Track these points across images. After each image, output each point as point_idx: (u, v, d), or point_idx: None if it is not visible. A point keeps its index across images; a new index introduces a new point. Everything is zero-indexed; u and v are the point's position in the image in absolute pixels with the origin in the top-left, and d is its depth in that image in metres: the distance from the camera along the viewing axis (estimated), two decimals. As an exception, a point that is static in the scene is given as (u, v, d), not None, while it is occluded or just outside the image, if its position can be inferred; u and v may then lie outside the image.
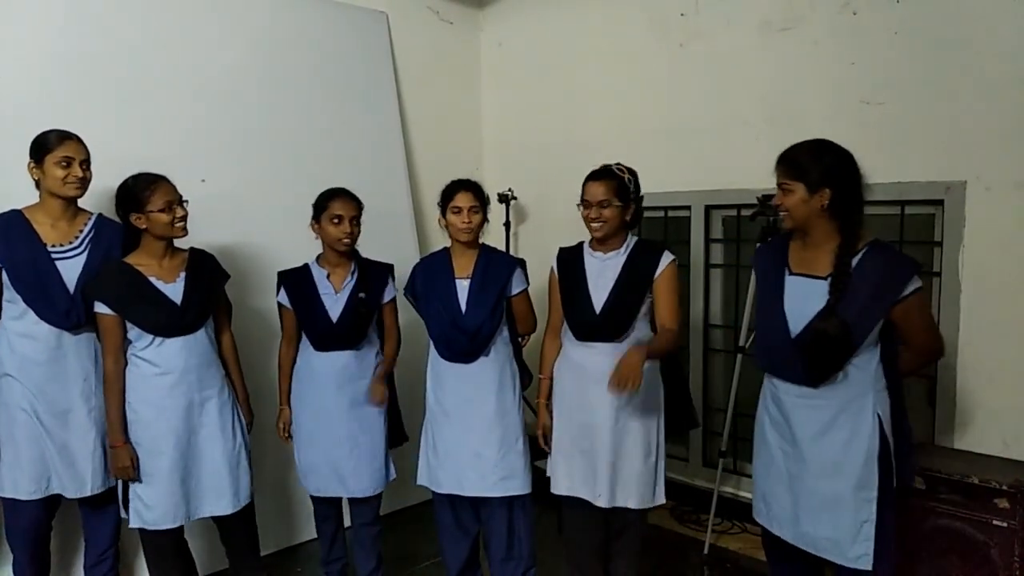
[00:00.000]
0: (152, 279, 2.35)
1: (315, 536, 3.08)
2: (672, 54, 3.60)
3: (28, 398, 2.32)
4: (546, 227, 4.20)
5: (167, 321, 2.33)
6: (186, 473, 2.39)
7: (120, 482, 2.39)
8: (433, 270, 2.64)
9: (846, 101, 3.02)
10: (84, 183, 2.35)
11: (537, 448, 2.60)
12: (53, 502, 2.43)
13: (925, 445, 2.80)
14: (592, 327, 2.39)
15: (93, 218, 2.45)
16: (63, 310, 2.31)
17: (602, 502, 2.38)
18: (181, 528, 2.47)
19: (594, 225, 2.39)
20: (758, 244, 2.61)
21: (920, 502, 2.52)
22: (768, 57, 3.27)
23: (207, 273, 2.49)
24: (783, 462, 2.08)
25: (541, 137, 4.21)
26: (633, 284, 2.36)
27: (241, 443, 2.51)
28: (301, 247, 2.81)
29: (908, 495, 2.20)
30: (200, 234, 2.62)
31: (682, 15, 3.55)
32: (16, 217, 2.34)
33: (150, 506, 2.35)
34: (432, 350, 2.61)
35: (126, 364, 2.36)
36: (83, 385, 2.38)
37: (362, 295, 2.60)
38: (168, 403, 2.34)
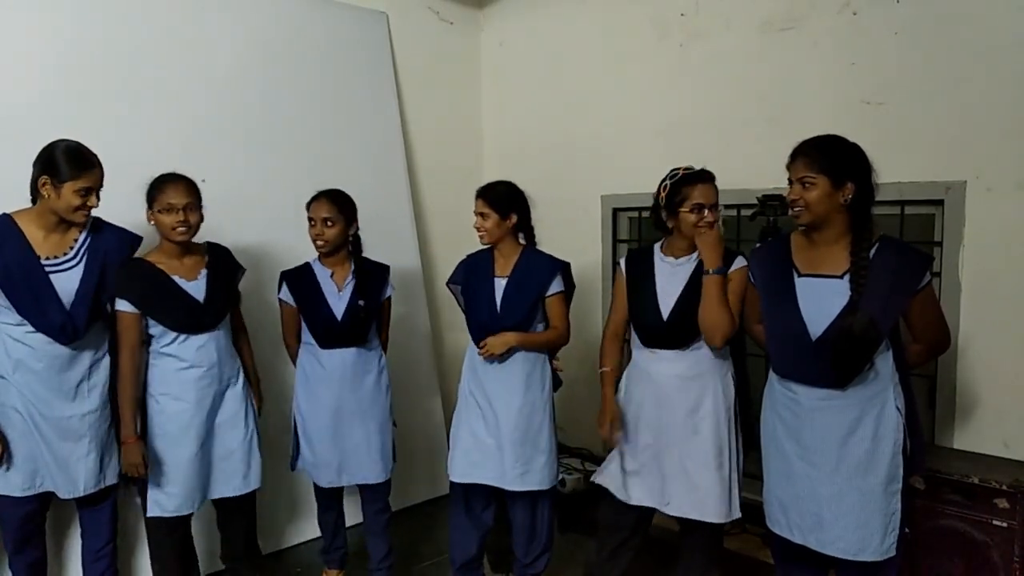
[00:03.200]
0: (175, 278, 2.40)
1: (314, 536, 3.10)
2: (672, 54, 3.60)
3: (22, 400, 2.30)
4: (546, 227, 4.19)
5: (189, 319, 2.39)
6: (204, 461, 2.47)
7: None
8: (475, 267, 2.69)
9: (846, 101, 3.01)
10: (91, 211, 2.30)
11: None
12: (46, 498, 2.42)
13: (925, 445, 2.80)
14: (658, 333, 2.34)
15: (87, 227, 2.37)
16: (58, 325, 2.25)
17: (671, 510, 2.33)
18: (189, 521, 2.54)
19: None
20: (756, 245, 2.61)
21: (920, 502, 2.52)
22: (768, 57, 3.26)
23: (225, 268, 2.56)
24: (803, 469, 2.05)
25: (541, 137, 4.21)
26: (698, 288, 2.25)
27: (253, 429, 2.59)
28: (300, 247, 2.81)
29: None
30: (200, 234, 2.61)
31: (682, 15, 3.55)
32: (8, 225, 2.26)
33: (171, 495, 2.42)
34: (471, 343, 2.66)
35: (147, 360, 2.42)
36: (76, 390, 2.35)
37: (361, 302, 2.65)
38: (192, 396, 2.42)
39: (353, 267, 2.71)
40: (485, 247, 2.69)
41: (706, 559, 2.45)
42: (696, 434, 2.29)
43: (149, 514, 2.43)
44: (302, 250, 2.80)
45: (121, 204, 2.37)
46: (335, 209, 2.63)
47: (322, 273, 2.71)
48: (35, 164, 2.24)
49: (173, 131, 3.05)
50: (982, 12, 2.70)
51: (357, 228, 2.73)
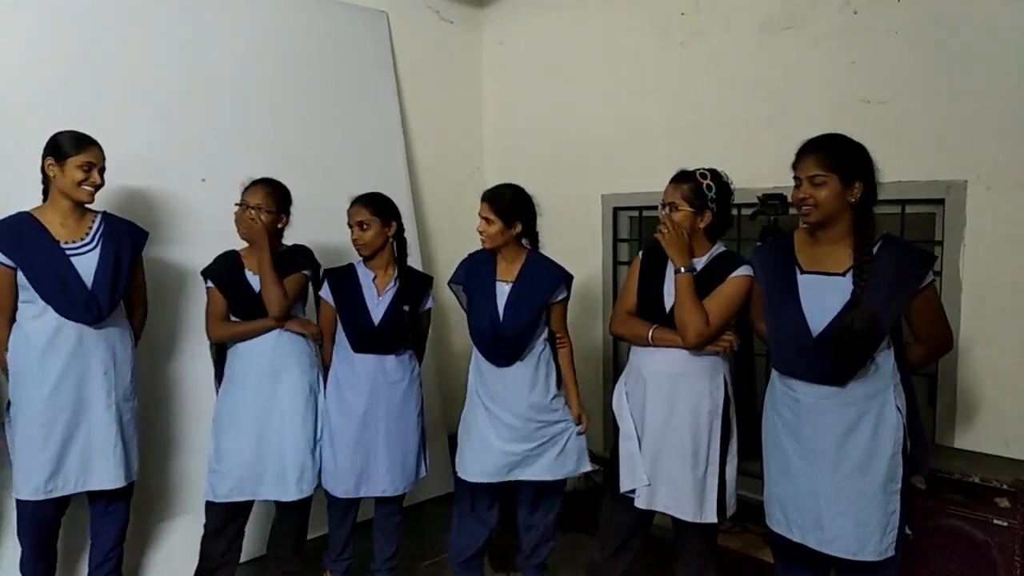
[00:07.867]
0: (247, 272, 2.60)
1: (314, 536, 3.08)
2: (672, 54, 3.60)
3: (47, 397, 2.33)
4: (546, 226, 4.19)
5: (246, 307, 2.56)
6: (259, 454, 2.54)
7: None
8: (477, 268, 2.64)
9: (847, 100, 3.01)
10: (97, 190, 2.39)
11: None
12: (63, 501, 2.46)
13: (928, 445, 2.80)
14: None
15: (99, 216, 2.48)
16: (82, 304, 2.33)
17: (639, 502, 2.35)
18: (245, 515, 2.64)
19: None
20: (758, 243, 2.61)
21: (921, 501, 2.51)
22: (769, 56, 3.27)
23: (292, 268, 2.64)
24: (803, 468, 2.04)
25: (542, 136, 4.21)
26: (699, 293, 2.24)
27: (302, 433, 2.61)
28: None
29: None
30: (201, 234, 2.62)
31: (682, 15, 3.55)
32: (27, 219, 2.36)
33: (223, 481, 2.52)
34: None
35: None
36: (103, 379, 2.41)
37: (406, 308, 2.64)
38: (244, 383, 2.55)
39: (396, 273, 2.70)
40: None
41: (700, 561, 2.44)
42: (672, 432, 2.29)
43: (205, 498, 2.55)
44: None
45: (124, 200, 2.38)
46: (368, 212, 2.62)
47: (364, 276, 2.69)
48: (42, 157, 2.35)
49: (173, 130, 3.05)
50: (982, 12, 2.70)
51: (400, 231, 2.70)
